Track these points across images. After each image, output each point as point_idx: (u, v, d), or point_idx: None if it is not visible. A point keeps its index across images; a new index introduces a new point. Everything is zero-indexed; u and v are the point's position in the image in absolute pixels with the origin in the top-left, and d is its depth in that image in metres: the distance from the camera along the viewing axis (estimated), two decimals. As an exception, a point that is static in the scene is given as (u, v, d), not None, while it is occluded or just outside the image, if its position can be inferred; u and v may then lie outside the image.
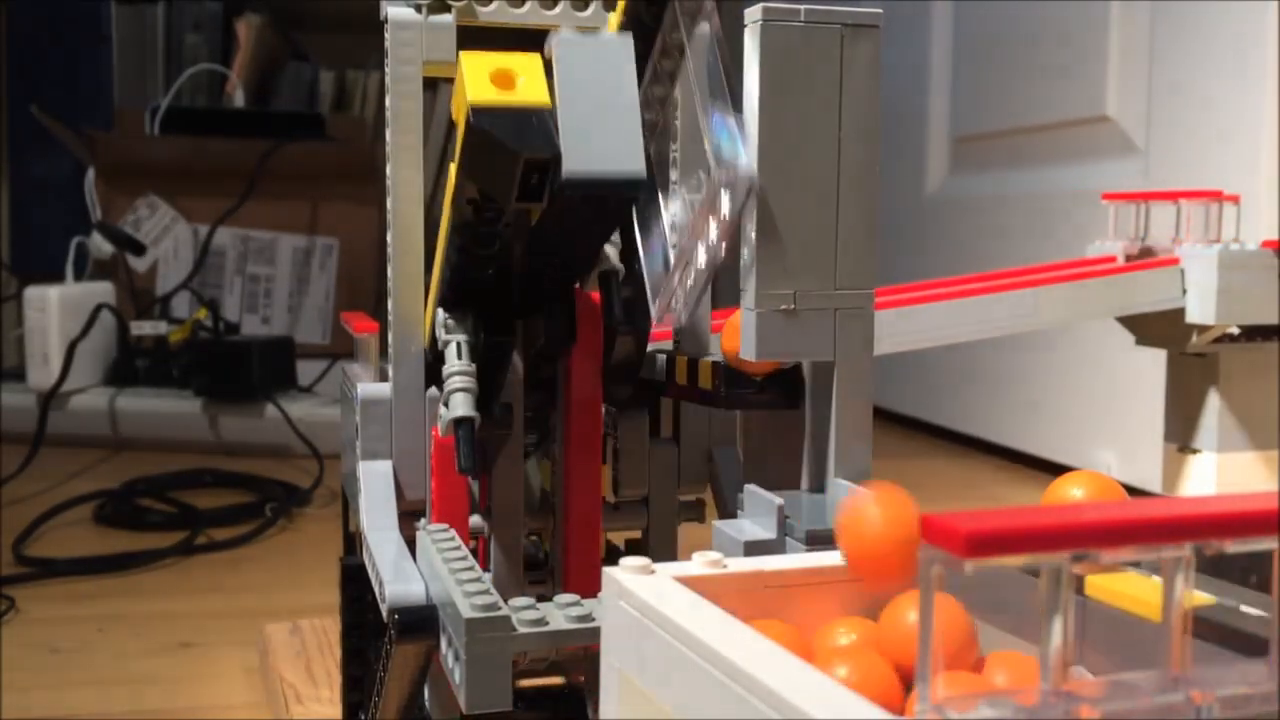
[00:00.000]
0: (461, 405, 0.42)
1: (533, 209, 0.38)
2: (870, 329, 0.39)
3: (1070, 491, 0.33)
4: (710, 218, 0.37)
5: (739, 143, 0.37)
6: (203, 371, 1.47)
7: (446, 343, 0.44)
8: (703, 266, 0.39)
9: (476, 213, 0.40)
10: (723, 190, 0.36)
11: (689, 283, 0.40)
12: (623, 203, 0.39)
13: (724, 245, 0.38)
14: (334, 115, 1.94)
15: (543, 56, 0.38)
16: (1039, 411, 1.38)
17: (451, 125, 0.40)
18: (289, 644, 0.72)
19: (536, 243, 0.42)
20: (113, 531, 1.08)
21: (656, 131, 0.45)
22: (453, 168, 0.40)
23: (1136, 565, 0.30)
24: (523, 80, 0.37)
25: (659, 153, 0.45)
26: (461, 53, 0.38)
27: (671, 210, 0.44)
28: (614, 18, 0.46)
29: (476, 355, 0.44)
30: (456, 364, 0.43)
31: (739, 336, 0.40)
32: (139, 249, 1.68)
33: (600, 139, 0.36)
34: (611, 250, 0.47)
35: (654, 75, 0.43)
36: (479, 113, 0.36)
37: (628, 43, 0.38)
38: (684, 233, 0.39)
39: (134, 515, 1.12)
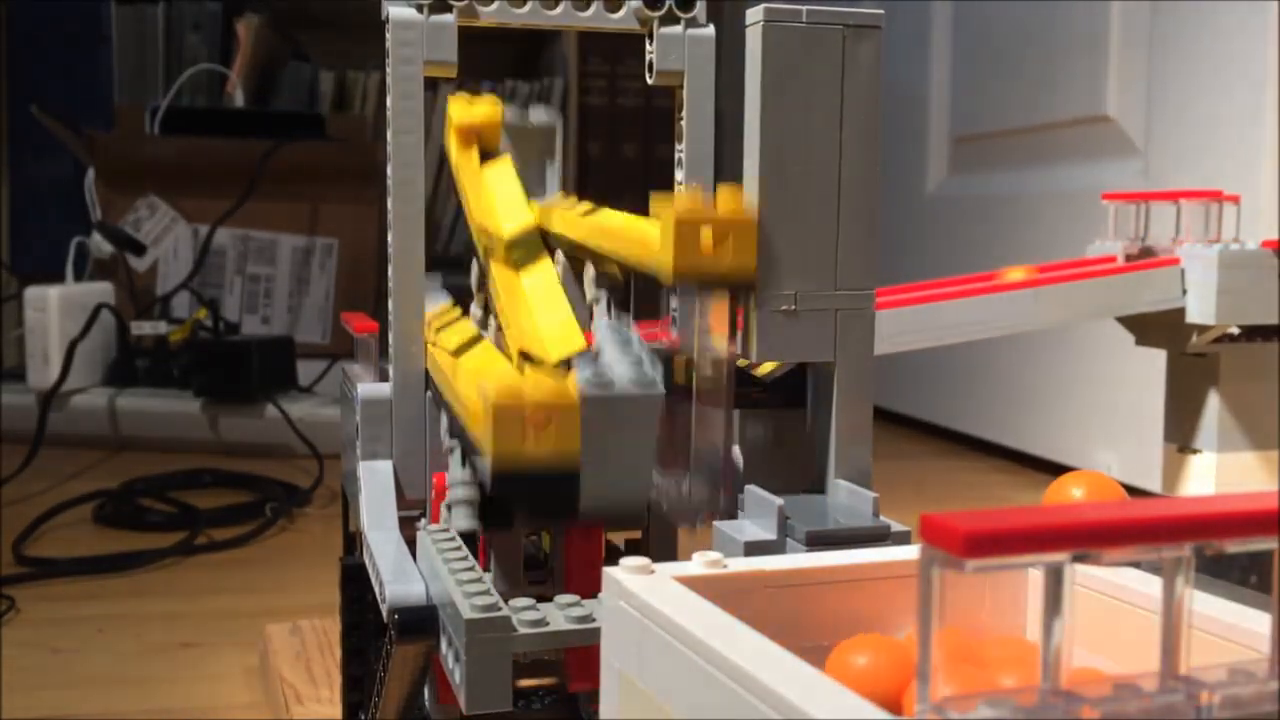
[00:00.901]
0: (463, 518, 0.42)
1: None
2: (870, 329, 0.39)
3: (1070, 491, 0.33)
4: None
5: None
6: (203, 371, 1.47)
7: (451, 448, 0.44)
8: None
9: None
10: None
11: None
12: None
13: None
14: (334, 115, 1.94)
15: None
16: (1039, 411, 1.39)
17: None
18: (289, 644, 0.72)
19: None
20: (113, 531, 1.08)
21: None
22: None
23: (1136, 565, 0.30)
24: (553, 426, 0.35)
25: None
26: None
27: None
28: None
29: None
30: (459, 474, 0.43)
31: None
32: (139, 249, 1.68)
33: (613, 492, 0.37)
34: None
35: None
36: (503, 483, 0.35)
37: (655, 402, 0.37)
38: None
39: (134, 515, 1.12)
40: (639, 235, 0.39)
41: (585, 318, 0.47)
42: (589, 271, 0.47)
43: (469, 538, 0.41)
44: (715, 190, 0.40)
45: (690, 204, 0.36)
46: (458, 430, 0.42)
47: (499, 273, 0.47)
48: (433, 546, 0.40)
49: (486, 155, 0.55)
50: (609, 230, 0.43)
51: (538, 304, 0.44)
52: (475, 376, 0.38)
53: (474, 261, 0.54)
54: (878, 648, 0.28)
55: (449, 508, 0.43)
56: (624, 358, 0.38)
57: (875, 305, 0.40)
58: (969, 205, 1.54)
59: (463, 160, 0.55)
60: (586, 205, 0.50)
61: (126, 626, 0.83)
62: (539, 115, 0.58)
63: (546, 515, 0.36)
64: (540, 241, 0.50)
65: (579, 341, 0.41)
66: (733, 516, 0.39)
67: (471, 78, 0.53)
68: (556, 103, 2.00)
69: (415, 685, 0.42)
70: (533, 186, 0.58)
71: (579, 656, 0.36)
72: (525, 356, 0.40)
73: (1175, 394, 0.84)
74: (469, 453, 0.40)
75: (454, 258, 1.74)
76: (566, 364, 0.38)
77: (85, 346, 1.47)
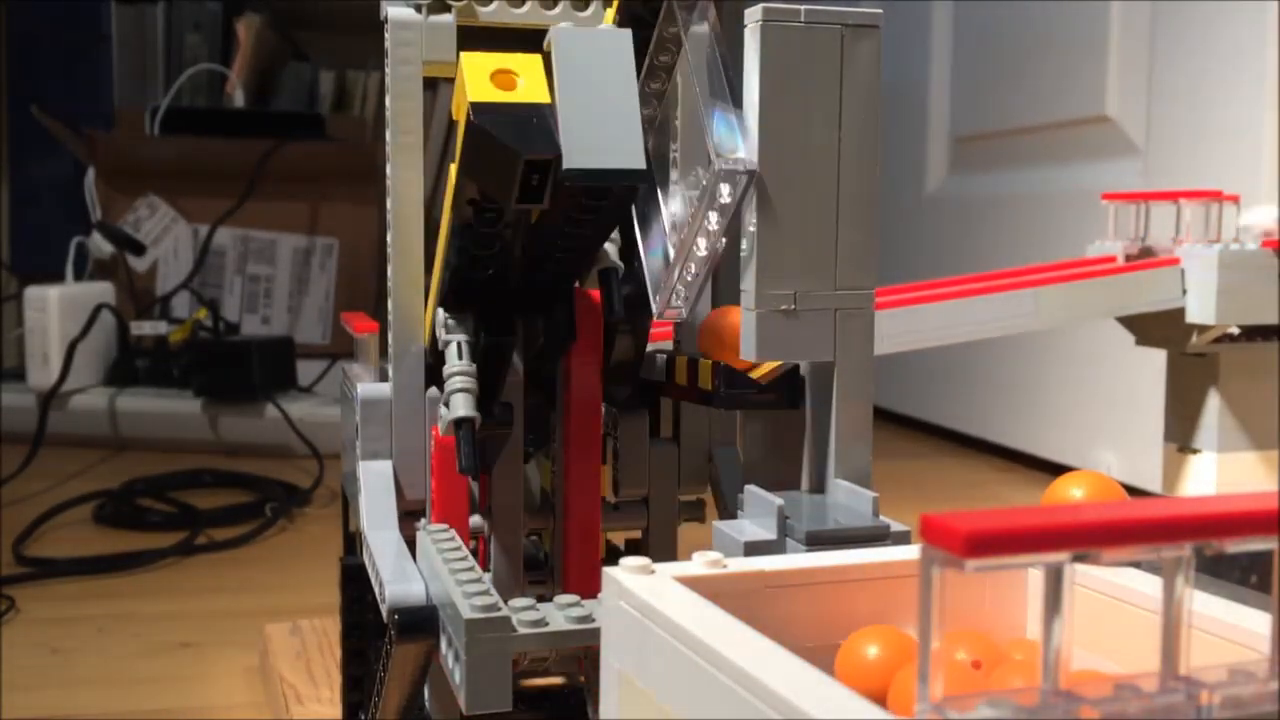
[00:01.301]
0: (462, 405, 0.42)
1: (533, 209, 0.38)
2: (870, 329, 0.39)
3: (1070, 491, 0.33)
4: (710, 210, 0.37)
5: (738, 135, 0.37)
6: (203, 371, 1.47)
7: (447, 343, 0.44)
8: (703, 257, 0.39)
9: (477, 213, 0.40)
10: (722, 183, 0.36)
11: (689, 276, 0.40)
12: (624, 196, 0.39)
13: (723, 238, 0.38)
14: (334, 115, 1.94)
15: (543, 54, 0.38)
16: (1039, 411, 1.39)
17: (452, 125, 0.40)
18: (289, 644, 0.72)
19: (537, 241, 0.42)
20: (113, 531, 1.08)
21: (654, 127, 0.45)
22: (453, 168, 0.40)
23: (1136, 565, 0.30)
24: (523, 80, 0.37)
25: (657, 150, 0.45)
26: (462, 53, 0.38)
27: (671, 208, 0.44)
28: (610, 13, 0.46)
29: (477, 355, 0.44)
30: (457, 364, 0.43)
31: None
32: (139, 249, 1.68)
33: (601, 133, 0.36)
34: (611, 248, 0.47)
35: (650, 70, 0.43)
36: (480, 112, 0.36)
37: (626, 36, 0.38)
38: (684, 228, 0.39)
39: (134, 515, 1.12)
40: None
41: None
42: None
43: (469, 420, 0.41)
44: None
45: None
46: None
47: None
48: (433, 546, 0.40)
49: None
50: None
51: None
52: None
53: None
54: (886, 639, 0.28)
55: (446, 403, 0.42)
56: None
57: (875, 305, 0.40)
58: (969, 205, 1.54)
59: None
60: None
61: (126, 626, 0.83)
62: None
63: (528, 143, 0.35)
64: None
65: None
66: (733, 516, 0.39)
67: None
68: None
69: (415, 685, 0.42)
70: None
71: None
72: None
73: (1175, 394, 0.84)
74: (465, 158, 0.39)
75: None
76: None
77: (85, 346, 1.47)
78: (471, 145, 0.37)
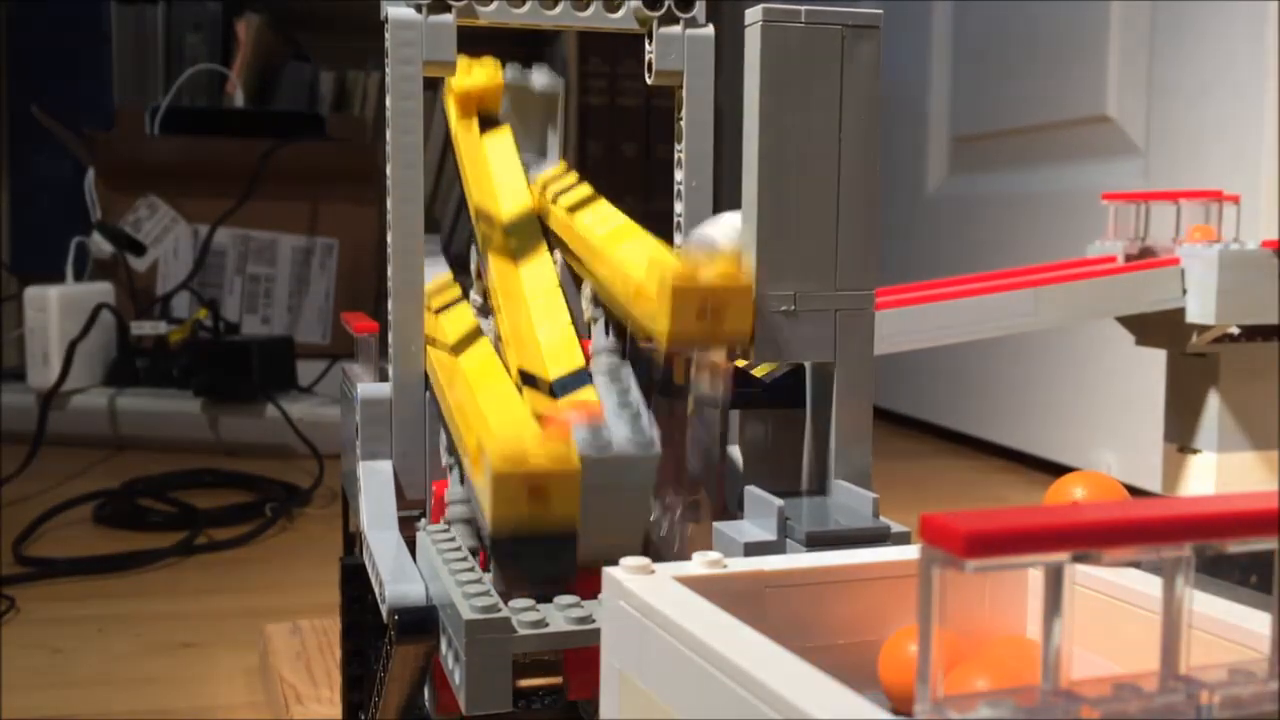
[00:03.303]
0: (463, 537, 0.42)
1: None
2: (870, 329, 0.39)
3: (1071, 491, 0.33)
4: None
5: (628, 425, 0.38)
6: (203, 371, 1.47)
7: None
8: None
9: None
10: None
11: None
12: None
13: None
14: (334, 115, 1.94)
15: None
16: (1039, 411, 1.38)
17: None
18: (289, 644, 0.72)
19: None
20: (113, 531, 1.08)
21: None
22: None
23: (1136, 565, 0.30)
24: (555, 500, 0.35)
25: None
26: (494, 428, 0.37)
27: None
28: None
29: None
30: (458, 490, 0.43)
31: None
32: (139, 249, 1.68)
33: (612, 543, 0.37)
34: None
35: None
36: (498, 549, 0.36)
37: (653, 464, 0.38)
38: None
39: (134, 515, 1.12)
40: (635, 284, 0.39)
41: (584, 325, 0.47)
42: (586, 290, 0.47)
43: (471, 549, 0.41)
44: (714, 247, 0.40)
45: (687, 268, 0.36)
46: (455, 448, 0.42)
47: (496, 264, 0.47)
48: (433, 546, 0.40)
49: (486, 120, 0.55)
50: (605, 259, 0.43)
51: (536, 311, 0.43)
52: (474, 408, 0.38)
53: (473, 248, 0.54)
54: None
55: (449, 524, 0.43)
56: (621, 413, 0.38)
57: (875, 305, 0.40)
58: (969, 205, 1.54)
59: (462, 130, 0.54)
60: (581, 191, 0.50)
61: (126, 626, 0.83)
62: (541, 79, 0.58)
63: (546, 574, 0.36)
64: (539, 230, 0.50)
65: (577, 359, 0.41)
66: (733, 517, 0.39)
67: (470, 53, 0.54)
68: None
69: (415, 685, 0.42)
70: (534, 152, 0.58)
71: (578, 664, 0.36)
72: (524, 375, 0.40)
73: (1175, 394, 0.84)
74: (466, 477, 0.40)
75: (455, 256, 1.73)
76: (563, 384, 0.39)
77: (85, 346, 1.47)
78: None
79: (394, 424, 0.48)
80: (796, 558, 0.32)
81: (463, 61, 0.54)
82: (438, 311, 0.51)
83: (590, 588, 0.34)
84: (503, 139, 0.54)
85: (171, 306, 1.69)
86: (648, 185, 2.04)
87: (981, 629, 0.32)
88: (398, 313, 0.48)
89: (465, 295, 0.54)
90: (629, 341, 0.44)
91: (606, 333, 0.44)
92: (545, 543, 0.35)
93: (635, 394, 0.40)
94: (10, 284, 1.87)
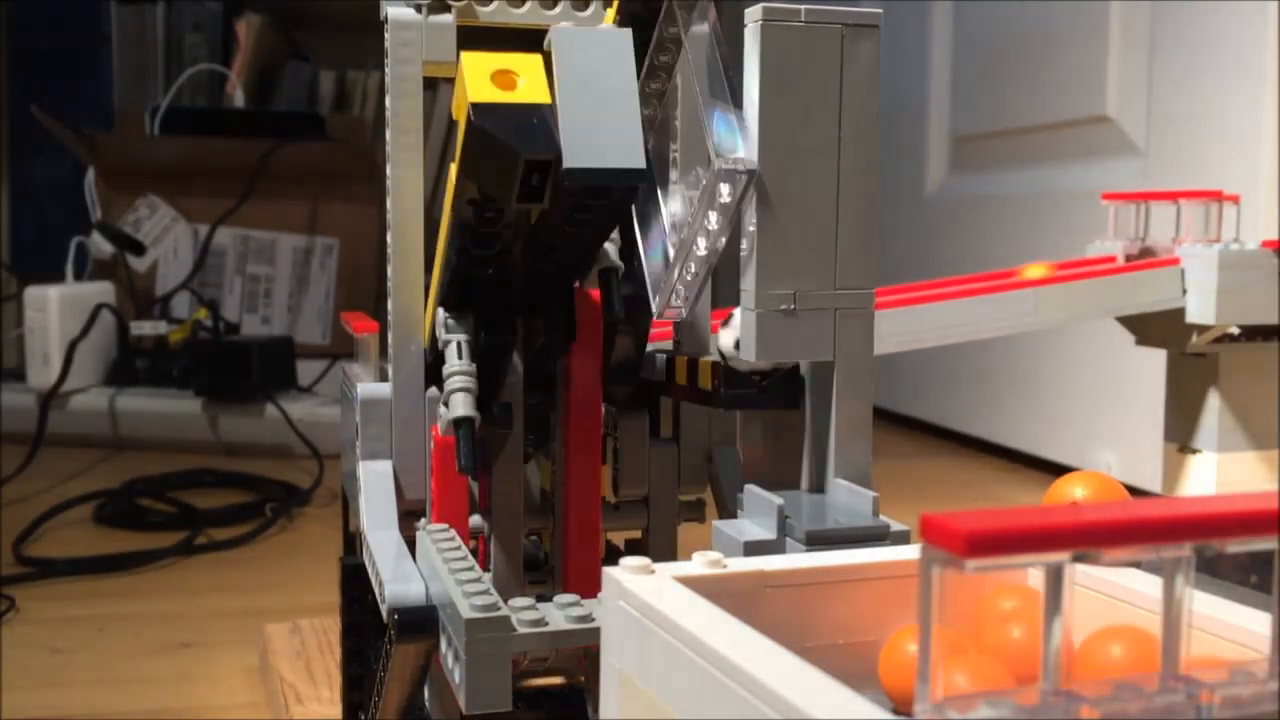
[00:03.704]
0: (461, 405, 0.42)
1: (533, 208, 0.38)
2: (870, 329, 0.39)
3: (1072, 491, 0.33)
4: (710, 209, 0.37)
5: (738, 135, 0.37)
6: (203, 371, 1.47)
7: (447, 342, 0.44)
8: (703, 257, 0.39)
9: (477, 213, 0.40)
10: (722, 182, 0.36)
11: (689, 275, 0.40)
12: (625, 196, 0.39)
13: (724, 237, 0.38)
14: (334, 115, 1.94)
15: (543, 54, 0.38)
16: (1039, 411, 1.38)
17: (452, 125, 0.40)
18: (289, 644, 0.72)
19: (537, 241, 0.42)
20: (113, 531, 1.08)
21: (654, 126, 0.45)
22: (453, 168, 0.40)
23: (1137, 565, 0.30)
24: (524, 80, 0.37)
25: (657, 150, 0.45)
26: (463, 53, 0.38)
27: (671, 209, 0.44)
28: (610, 13, 0.46)
29: (476, 354, 0.44)
30: (456, 364, 0.43)
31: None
32: (139, 249, 1.68)
33: (601, 132, 0.36)
34: (611, 247, 0.47)
35: (650, 70, 0.43)
36: (480, 112, 0.36)
37: (626, 35, 0.38)
38: (684, 227, 0.39)
39: (134, 515, 1.12)
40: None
41: None
42: None
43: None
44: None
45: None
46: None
47: None
48: (433, 546, 0.40)
49: None
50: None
51: None
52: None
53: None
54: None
55: (446, 402, 0.42)
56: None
57: (875, 305, 0.39)
58: (969, 205, 1.54)
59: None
60: None
61: (126, 626, 0.83)
62: None
63: (528, 144, 0.35)
64: None
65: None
66: (733, 516, 0.39)
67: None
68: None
69: (415, 685, 0.42)
70: None
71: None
72: None
73: (1175, 394, 0.84)
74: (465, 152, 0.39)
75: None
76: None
77: (85, 346, 1.47)
78: (471, 145, 0.37)
79: (394, 424, 0.48)
80: (796, 557, 0.32)
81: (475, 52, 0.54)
82: None
83: (590, 584, 0.34)
84: None
85: (171, 306, 1.69)
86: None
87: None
88: (398, 313, 0.48)
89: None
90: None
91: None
92: (521, 113, 0.35)
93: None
94: (10, 284, 1.87)
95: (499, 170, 0.36)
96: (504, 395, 0.46)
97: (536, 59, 0.37)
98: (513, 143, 0.35)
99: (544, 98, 0.36)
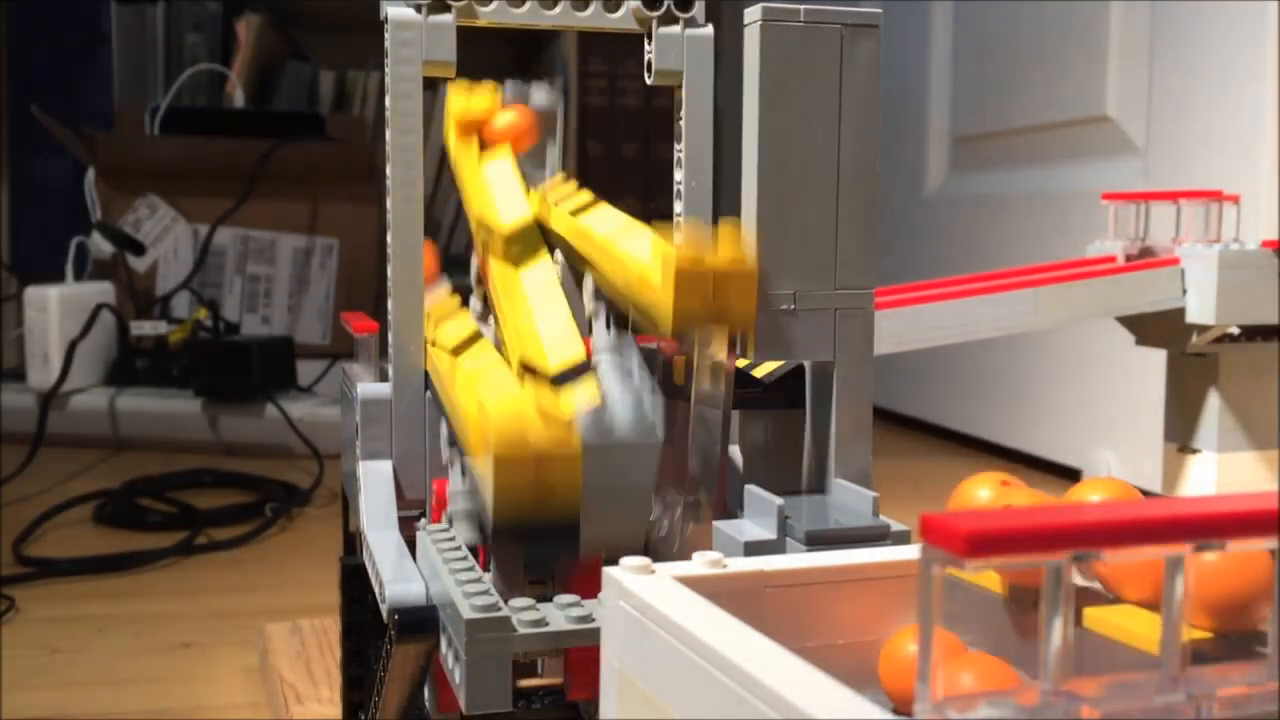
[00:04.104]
0: (466, 531, 0.42)
1: None
2: (870, 329, 0.39)
3: (1088, 499, 0.33)
4: None
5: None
6: (203, 371, 1.47)
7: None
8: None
9: None
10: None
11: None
12: None
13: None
14: (334, 115, 1.94)
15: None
16: (1039, 411, 1.38)
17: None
18: (289, 644, 0.72)
19: None
20: (113, 531, 1.08)
21: None
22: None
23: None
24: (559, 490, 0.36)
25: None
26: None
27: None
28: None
29: None
30: (460, 484, 0.43)
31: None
32: (139, 249, 1.68)
33: (614, 530, 0.37)
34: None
35: None
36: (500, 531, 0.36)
37: (655, 450, 0.38)
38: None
39: (134, 515, 1.12)
40: (638, 271, 0.38)
41: (585, 322, 0.47)
42: (588, 284, 0.47)
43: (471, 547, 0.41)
44: (715, 225, 0.40)
45: (691, 251, 0.35)
46: (457, 440, 0.42)
47: (498, 269, 0.47)
48: (433, 546, 0.40)
49: (486, 143, 0.55)
50: (607, 252, 0.42)
51: (537, 307, 0.43)
52: (475, 392, 0.38)
53: (474, 256, 0.54)
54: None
55: (450, 520, 0.43)
56: (625, 397, 0.38)
57: (875, 305, 0.40)
58: (969, 205, 1.54)
59: (461, 151, 0.54)
60: (582, 197, 0.50)
61: (126, 626, 0.83)
62: (539, 97, 0.58)
63: (547, 560, 0.36)
64: (539, 236, 0.50)
65: (579, 351, 0.41)
66: (733, 516, 0.39)
67: (471, 78, 0.54)
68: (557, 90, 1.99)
69: (415, 685, 0.42)
70: (533, 167, 0.58)
71: (578, 664, 0.36)
72: (525, 367, 0.40)
73: (1175, 394, 0.84)
74: (467, 468, 0.40)
75: (454, 257, 1.73)
76: (565, 376, 0.38)
77: (85, 346, 1.47)
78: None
79: (394, 424, 0.48)
80: (796, 557, 0.32)
81: (463, 85, 0.54)
82: (438, 322, 0.51)
83: (590, 587, 0.34)
84: (501, 154, 0.55)
85: (171, 306, 1.69)
86: (647, 185, 2.04)
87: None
88: (398, 313, 0.48)
89: (465, 302, 0.54)
90: (631, 335, 0.44)
91: (608, 328, 0.44)
92: (547, 530, 0.35)
93: (639, 380, 0.40)
94: (10, 284, 1.87)
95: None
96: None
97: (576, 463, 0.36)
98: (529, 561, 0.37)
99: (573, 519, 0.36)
